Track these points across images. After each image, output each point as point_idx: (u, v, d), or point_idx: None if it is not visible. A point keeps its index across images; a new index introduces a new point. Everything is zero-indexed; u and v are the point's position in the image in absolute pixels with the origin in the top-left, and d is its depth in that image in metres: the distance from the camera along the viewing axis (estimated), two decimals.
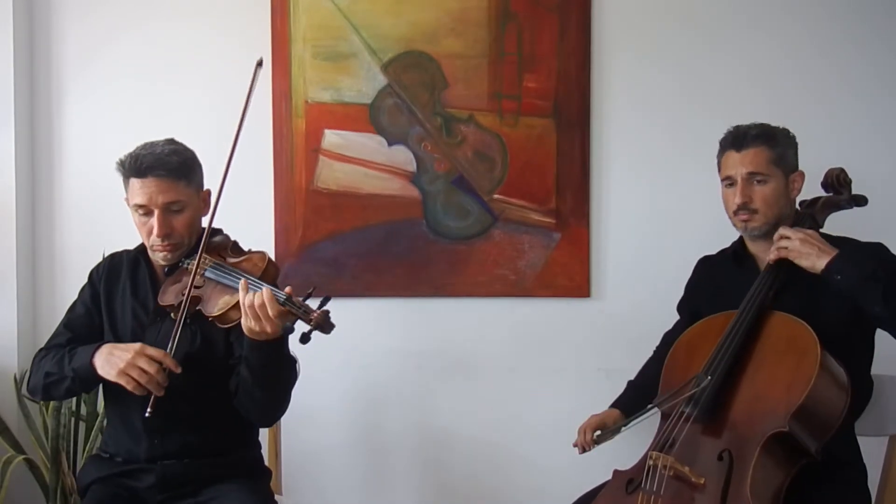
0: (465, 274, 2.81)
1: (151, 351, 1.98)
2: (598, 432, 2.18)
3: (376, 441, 2.90)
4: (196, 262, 2.05)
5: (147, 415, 1.95)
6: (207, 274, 2.07)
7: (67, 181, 2.90)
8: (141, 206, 2.09)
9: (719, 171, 2.19)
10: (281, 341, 1.95)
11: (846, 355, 1.96)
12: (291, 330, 1.88)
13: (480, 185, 2.81)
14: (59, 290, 2.89)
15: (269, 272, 2.07)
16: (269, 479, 2.27)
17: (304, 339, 1.82)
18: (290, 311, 1.86)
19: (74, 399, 2.70)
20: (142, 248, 2.24)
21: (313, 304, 1.88)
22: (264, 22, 2.80)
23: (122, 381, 1.96)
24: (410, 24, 2.79)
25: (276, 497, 2.24)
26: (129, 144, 2.84)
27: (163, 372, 1.96)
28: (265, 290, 1.86)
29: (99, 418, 2.66)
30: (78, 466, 2.70)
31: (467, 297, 2.82)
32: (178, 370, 1.98)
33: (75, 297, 2.51)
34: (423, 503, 2.90)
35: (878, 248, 2.06)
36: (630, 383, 2.36)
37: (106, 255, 2.67)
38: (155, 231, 2.08)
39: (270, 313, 1.84)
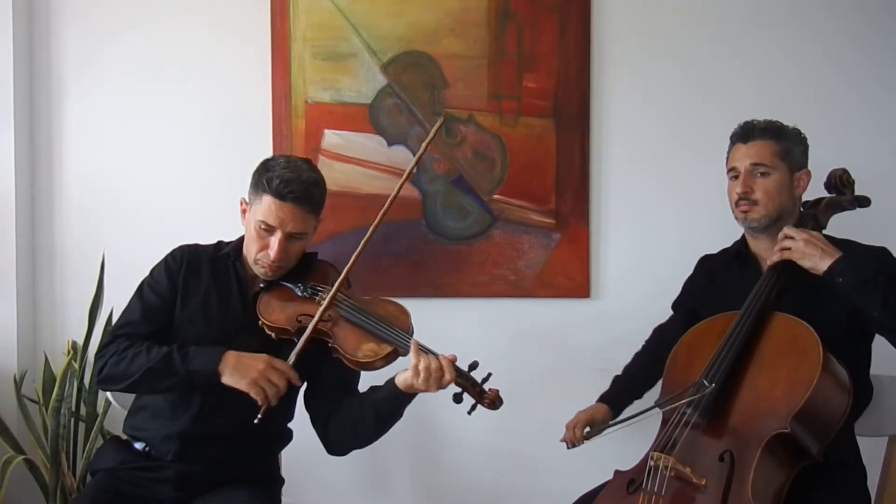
0: (465, 274, 2.81)
1: (279, 364, 1.99)
2: (588, 429, 2.21)
3: (376, 441, 2.89)
4: (331, 295, 2.06)
5: (256, 421, 1.96)
6: (342, 312, 2.07)
7: (67, 181, 2.89)
8: (267, 225, 2.07)
9: (727, 164, 2.21)
10: (414, 395, 2.01)
11: (847, 356, 1.96)
12: (461, 400, 1.97)
13: (480, 185, 2.81)
14: (59, 290, 2.89)
15: (411, 329, 2.09)
16: (280, 486, 2.27)
17: (472, 409, 1.98)
18: (464, 385, 1.97)
19: (74, 399, 2.70)
20: (230, 250, 2.20)
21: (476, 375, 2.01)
22: (264, 22, 2.80)
23: (252, 392, 1.96)
24: (410, 24, 2.79)
25: None
26: (128, 144, 2.88)
27: (287, 386, 2.00)
28: (445, 362, 1.94)
29: (98, 418, 2.66)
30: (78, 467, 2.70)
31: (467, 298, 2.82)
32: (300, 384, 2.06)
33: (74, 296, 2.51)
34: (422, 503, 2.90)
35: (882, 253, 2.06)
36: (616, 378, 2.37)
37: (105, 254, 2.69)
38: (273, 254, 2.07)
39: (446, 380, 1.93)
